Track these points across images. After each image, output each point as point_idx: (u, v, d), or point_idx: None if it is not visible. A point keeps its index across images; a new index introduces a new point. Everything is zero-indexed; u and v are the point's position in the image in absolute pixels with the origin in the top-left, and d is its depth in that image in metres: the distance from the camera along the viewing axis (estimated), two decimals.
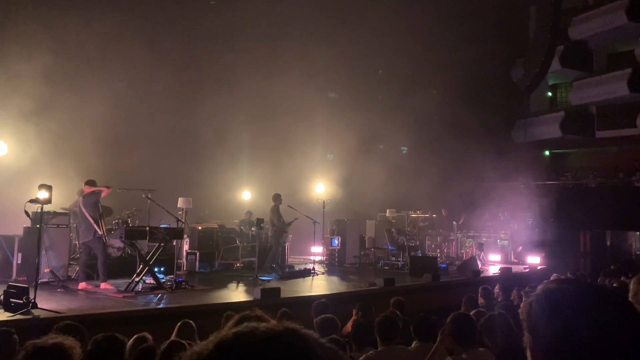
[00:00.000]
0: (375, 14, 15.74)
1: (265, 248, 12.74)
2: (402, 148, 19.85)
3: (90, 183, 9.44)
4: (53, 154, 11.02)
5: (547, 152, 22.71)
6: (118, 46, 13.36)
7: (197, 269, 12.01)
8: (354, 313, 6.40)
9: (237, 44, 15.48)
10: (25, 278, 9.00)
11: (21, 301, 6.77)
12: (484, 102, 18.24)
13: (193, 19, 16.04)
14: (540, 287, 1.22)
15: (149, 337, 4.49)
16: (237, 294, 9.57)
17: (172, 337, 4.75)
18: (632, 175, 19.37)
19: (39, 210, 7.81)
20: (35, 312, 6.70)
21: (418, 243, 15.26)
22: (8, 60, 10.95)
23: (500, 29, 18.76)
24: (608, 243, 19.53)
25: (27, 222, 9.09)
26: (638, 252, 19.08)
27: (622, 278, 9.84)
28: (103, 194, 9.41)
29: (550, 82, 23.04)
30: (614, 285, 8.45)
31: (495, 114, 19.50)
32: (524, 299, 1.28)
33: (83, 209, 9.22)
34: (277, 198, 12.65)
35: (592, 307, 1.12)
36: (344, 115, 15.97)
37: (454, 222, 17.15)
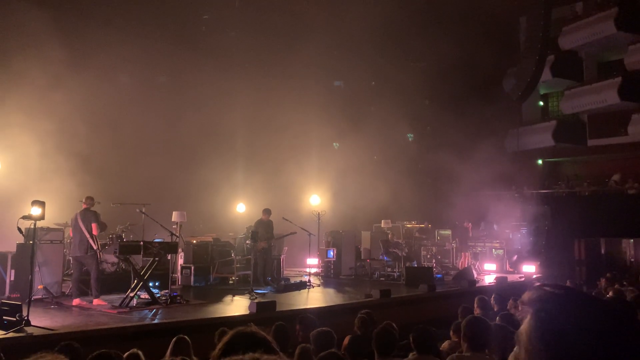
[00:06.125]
0: (366, 24, 15.84)
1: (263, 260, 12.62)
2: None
3: (89, 199, 9.48)
4: (46, 170, 10.95)
5: (540, 161, 22.81)
6: (106, 55, 13.38)
7: (192, 283, 11.95)
8: None
9: (231, 58, 15.53)
10: (19, 295, 8.92)
11: (14, 319, 6.70)
12: (477, 112, 18.34)
13: (185, 31, 16.09)
14: (532, 296, 1.15)
15: (141, 354, 4.42)
16: (232, 307, 9.50)
17: (167, 353, 4.71)
18: (625, 182, 19.48)
19: (32, 227, 7.76)
20: (29, 329, 6.63)
21: (407, 252, 15.11)
22: None
23: (491, 40, 18.91)
24: (603, 251, 19.57)
25: (20, 239, 9.04)
26: (632, 259, 19.13)
27: (617, 285, 9.84)
28: (94, 230, 9.33)
29: (542, 91, 23.22)
30: (610, 292, 8.47)
31: (488, 123, 19.61)
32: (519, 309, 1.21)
33: (80, 223, 9.23)
34: (265, 212, 12.61)
35: (594, 319, 1.06)
36: (338, 127, 16.02)
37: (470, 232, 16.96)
